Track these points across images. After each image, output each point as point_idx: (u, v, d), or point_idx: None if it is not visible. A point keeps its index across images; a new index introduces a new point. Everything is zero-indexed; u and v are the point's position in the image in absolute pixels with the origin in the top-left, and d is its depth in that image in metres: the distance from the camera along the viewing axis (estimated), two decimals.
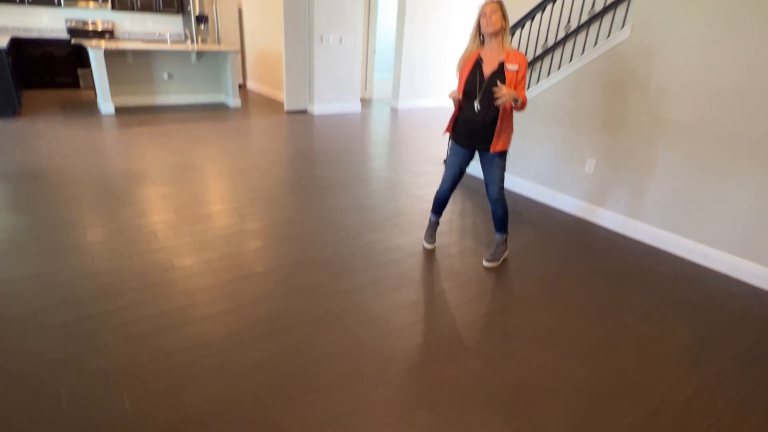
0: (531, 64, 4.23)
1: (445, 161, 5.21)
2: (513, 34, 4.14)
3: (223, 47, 7.40)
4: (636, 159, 3.45)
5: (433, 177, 4.68)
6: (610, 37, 3.48)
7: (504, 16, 2.53)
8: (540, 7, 3.92)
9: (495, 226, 3.01)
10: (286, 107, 7.40)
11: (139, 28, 8.67)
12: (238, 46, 9.01)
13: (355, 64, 7.52)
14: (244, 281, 2.65)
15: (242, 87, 9.47)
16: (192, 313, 2.33)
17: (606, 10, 3.66)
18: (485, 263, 3.00)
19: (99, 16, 8.23)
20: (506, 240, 3.06)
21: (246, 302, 2.45)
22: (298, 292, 2.58)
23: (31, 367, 1.92)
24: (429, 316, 2.45)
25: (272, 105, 7.87)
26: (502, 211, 2.91)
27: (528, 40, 4.27)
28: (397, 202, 3.96)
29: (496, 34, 2.55)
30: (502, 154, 2.74)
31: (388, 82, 10.11)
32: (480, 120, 2.66)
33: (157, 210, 3.49)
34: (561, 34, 4.07)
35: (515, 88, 2.53)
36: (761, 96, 2.78)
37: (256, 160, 4.86)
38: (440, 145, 5.90)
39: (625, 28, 3.37)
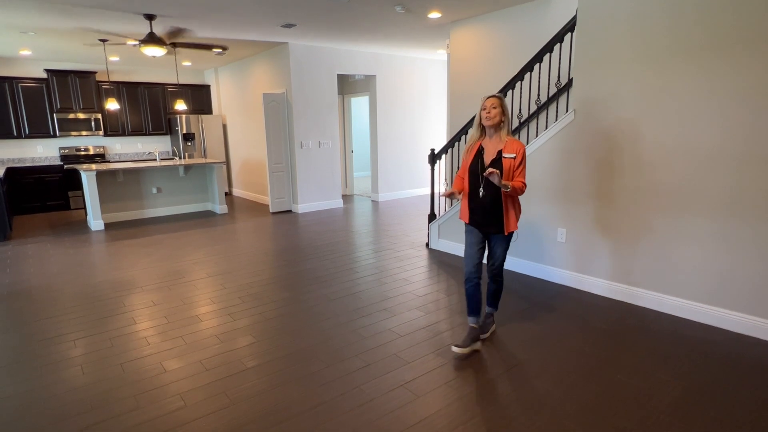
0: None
1: (427, 245, 5.42)
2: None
3: (209, 160, 7.87)
4: (607, 225, 3.69)
5: (417, 260, 4.84)
6: (558, 121, 3.91)
7: (503, 111, 2.73)
8: (510, 85, 4.39)
9: (487, 300, 3.10)
10: (271, 209, 7.71)
11: (130, 150, 9.21)
12: (223, 158, 9.56)
13: (334, 163, 8.02)
14: (238, 377, 2.65)
15: (228, 194, 9.87)
16: (186, 416, 2.31)
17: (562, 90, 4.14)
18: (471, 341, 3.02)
19: (91, 143, 8.76)
20: (493, 314, 3.15)
21: (241, 398, 2.44)
22: (292, 382, 2.59)
23: None
24: (424, 394, 2.46)
25: (258, 208, 8.19)
26: (498, 285, 3.02)
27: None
28: (383, 287, 4.06)
29: (495, 126, 2.75)
30: (509, 235, 2.86)
31: (367, 178, 10.64)
32: (485, 204, 2.80)
33: (148, 317, 3.53)
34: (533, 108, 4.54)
35: (513, 174, 2.70)
36: (711, 155, 3.11)
37: (244, 259, 5.00)
38: (422, 230, 6.15)
39: (569, 112, 3.81)
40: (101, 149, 8.82)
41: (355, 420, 2.25)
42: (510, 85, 4.37)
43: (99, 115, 8.45)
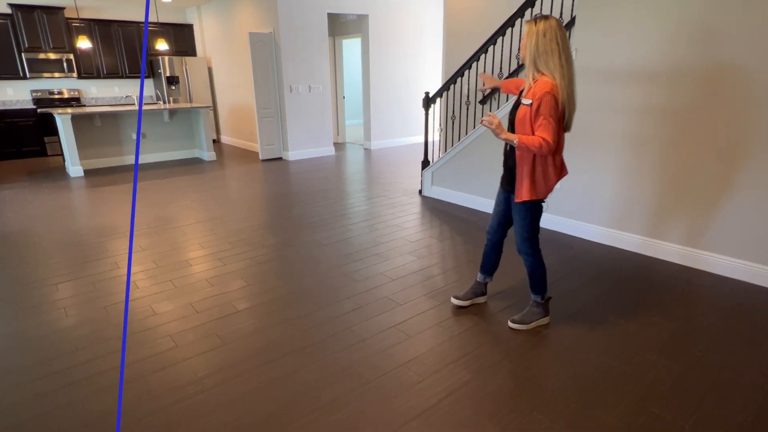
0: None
1: (420, 192, 5.35)
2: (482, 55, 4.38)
3: (194, 105, 7.58)
4: (598, 167, 3.62)
5: (410, 207, 4.78)
6: None
7: (526, 40, 2.11)
8: (510, 22, 4.19)
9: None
10: (261, 156, 7.53)
11: (106, 94, 8.76)
12: (209, 103, 9.22)
13: (325, 109, 7.78)
14: (229, 319, 2.63)
15: (217, 142, 9.60)
16: (177, 355, 2.30)
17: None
18: (510, 324, 2.53)
19: (65, 85, 8.31)
20: (545, 303, 2.55)
21: (232, 338, 2.43)
22: (283, 323, 2.58)
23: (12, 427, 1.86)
24: (416, 334, 2.46)
25: (247, 155, 8.00)
26: (529, 266, 2.46)
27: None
28: (375, 233, 4.02)
29: (525, 60, 2.18)
30: (525, 204, 2.31)
31: (359, 127, 10.39)
32: (506, 158, 2.38)
33: (136, 261, 3.47)
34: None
35: (531, 126, 2.13)
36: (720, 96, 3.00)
37: (234, 206, 4.90)
38: (415, 178, 6.05)
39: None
40: (76, 92, 8.35)
41: (347, 357, 2.26)
42: (509, 22, 4.14)
43: (71, 56, 7.94)
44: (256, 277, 3.17)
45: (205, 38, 9.23)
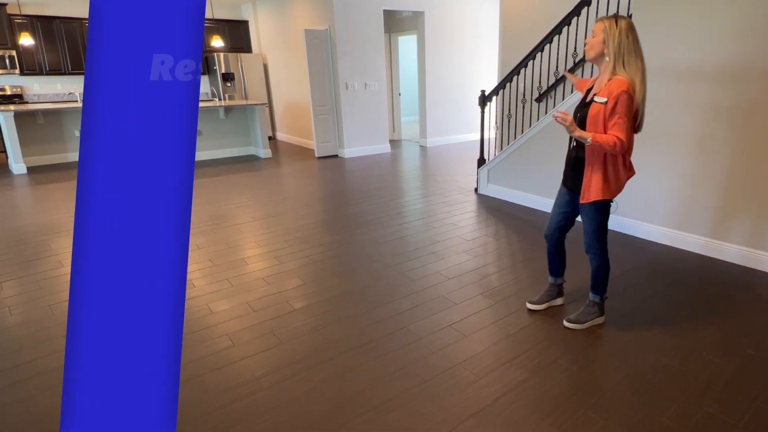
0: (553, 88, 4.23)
1: (476, 190, 5.19)
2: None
3: (250, 102, 7.75)
4: (656, 167, 3.33)
5: (466, 205, 4.64)
6: None
7: (605, 39, 2.04)
8: (566, 21, 3.97)
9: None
10: (316, 153, 7.60)
11: (49, 90, 8.56)
12: (265, 100, 9.40)
13: (381, 106, 7.73)
14: (286, 318, 2.63)
15: (272, 139, 9.80)
16: (233, 354, 2.31)
17: None
18: (565, 323, 2.46)
19: (7, 82, 8.12)
20: (602, 303, 2.46)
21: (289, 337, 2.43)
22: (340, 322, 2.55)
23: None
24: (471, 333, 2.40)
25: (303, 152, 8.11)
26: (594, 266, 2.38)
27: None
28: (431, 231, 3.92)
29: (595, 60, 2.13)
30: (595, 204, 2.22)
31: (415, 123, 10.29)
32: (571, 157, 2.32)
33: (193, 260, 3.49)
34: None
35: (603, 124, 2.07)
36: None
37: (290, 204, 4.96)
38: (470, 175, 5.88)
39: None
40: (18, 89, 8.19)
41: (404, 357, 2.22)
42: (566, 20, 3.91)
43: (13, 52, 7.80)
44: (312, 276, 3.17)
45: (260, 35, 9.41)
